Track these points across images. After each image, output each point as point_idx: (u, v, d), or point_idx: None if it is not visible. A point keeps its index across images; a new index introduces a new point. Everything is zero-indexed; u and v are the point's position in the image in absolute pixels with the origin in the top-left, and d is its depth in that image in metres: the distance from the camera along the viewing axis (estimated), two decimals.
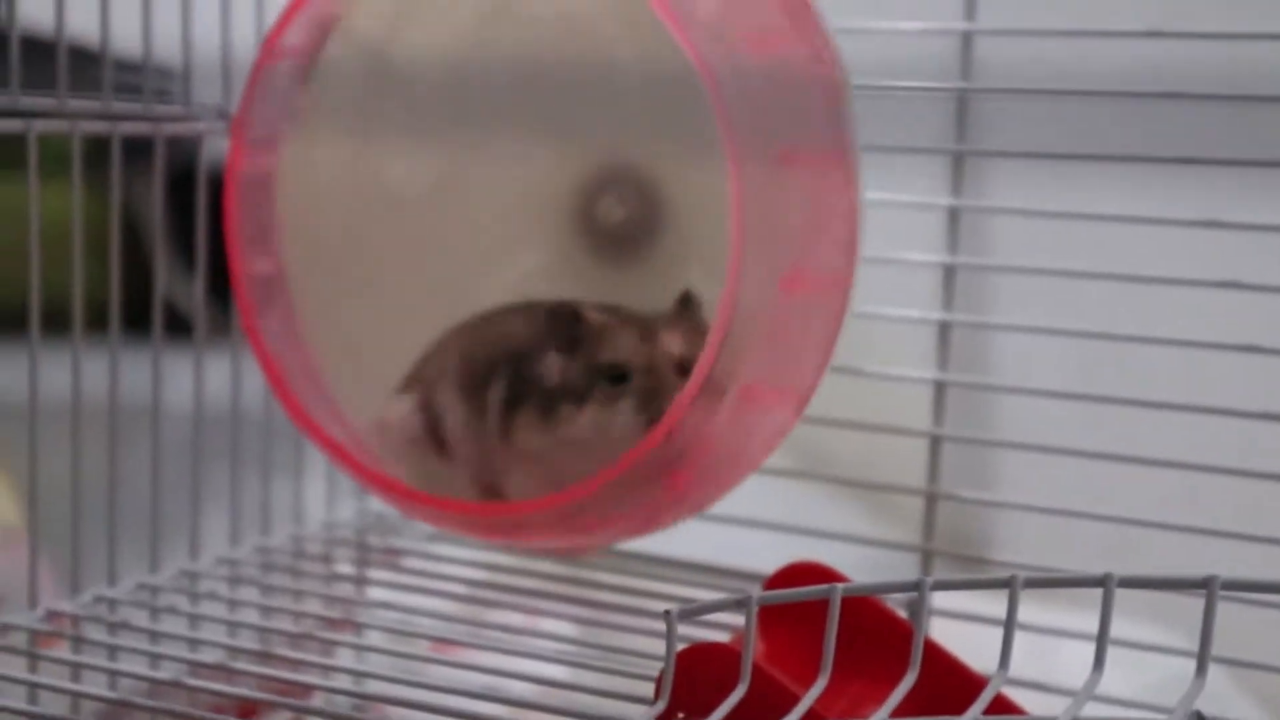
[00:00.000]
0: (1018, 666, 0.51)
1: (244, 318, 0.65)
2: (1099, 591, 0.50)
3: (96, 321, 0.68)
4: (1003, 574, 0.51)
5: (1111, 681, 0.53)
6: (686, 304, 0.64)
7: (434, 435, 0.66)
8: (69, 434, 0.67)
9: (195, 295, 0.72)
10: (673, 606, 0.53)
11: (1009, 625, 0.50)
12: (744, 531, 0.74)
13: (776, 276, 0.58)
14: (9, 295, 0.73)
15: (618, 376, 0.61)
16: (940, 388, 0.68)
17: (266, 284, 0.67)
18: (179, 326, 0.75)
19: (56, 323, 0.68)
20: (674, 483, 0.61)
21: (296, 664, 0.63)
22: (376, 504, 0.78)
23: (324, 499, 0.79)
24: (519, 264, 0.72)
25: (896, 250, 0.68)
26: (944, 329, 0.68)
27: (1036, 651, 0.73)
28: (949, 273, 0.68)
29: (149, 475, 0.71)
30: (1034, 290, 0.78)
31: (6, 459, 0.84)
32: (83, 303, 0.67)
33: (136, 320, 0.74)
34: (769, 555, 0.67)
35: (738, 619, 0.60)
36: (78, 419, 0.67)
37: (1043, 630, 0.64)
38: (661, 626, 0.64)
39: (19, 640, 0.63)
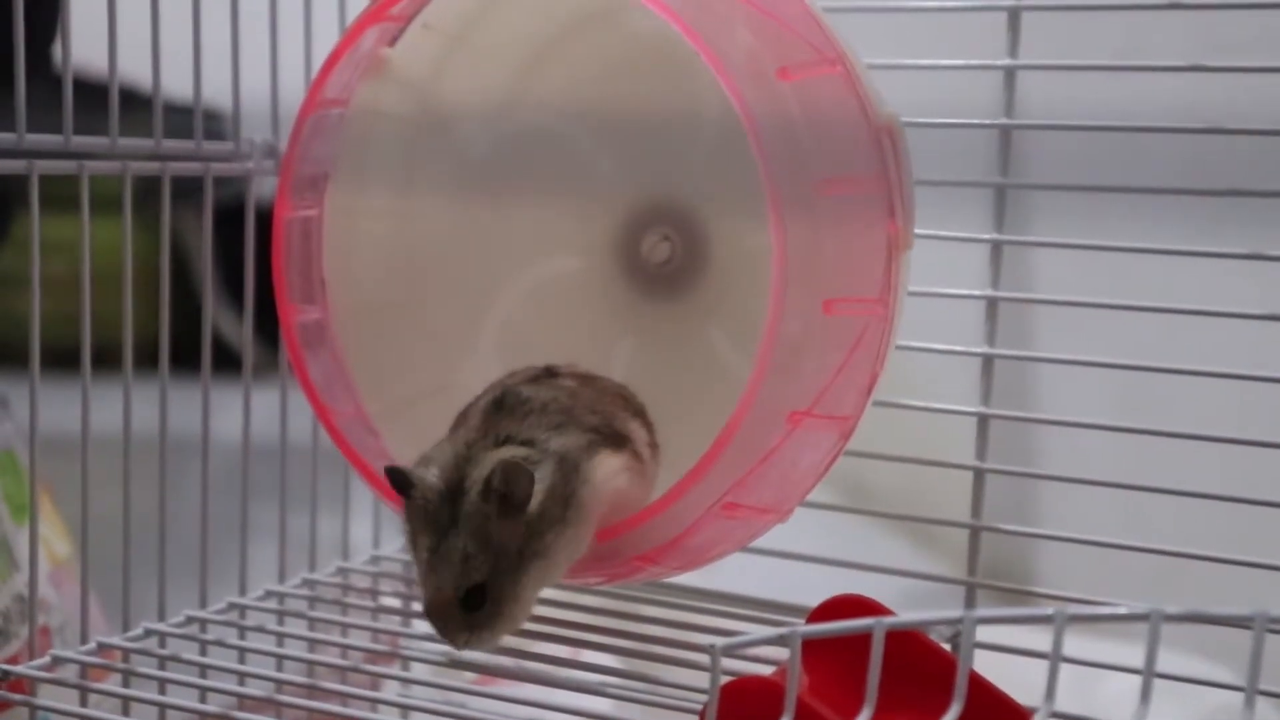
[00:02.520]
0: (1062, 699, 0.51)
1: (293, 361, 0.65)
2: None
3: (146, 357, 0.69)
4: (1047, 607, 0.52)
5: (1159, 715, 0.53)
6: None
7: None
8: (119, 468, 0.68)
9: (244, 331, 0.73)
10: (717, 640, 0.54)
11: (1054, 659, 0.50)
12: (788, 564, 0.75)
13: (817, 306, 0.59)
14: (62, 331, 0.74)
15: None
16: (984, 421, 0.68)
17: (313, 328, 0.67)
18: (226, 362, 0.76)
19: (106, 358, 0.68)
20: (705, 522, 0.61)
21: (344, 697, 0.63)
22: None
23: (370, 533, 0.80)
24: (562, 301, 0.73)
25: (940, 284, 0.68)
26: (987, 362, 0.68)
27: (1081, 683, 0.73)
28: (991, 306, 0.68)
29: (198, 509, 0.71)
30: (1076, 323, 0.78)
31: (59, 493, 0.85)
32: (133, 338, 0.68)
33: (185, 356, 0.75)
34: (813, 589, 0.68)
35: (782, 653, 0.61)
36: (128, 454, 0.68)
37: (1088, 664, 0.64)
38: (705, 659, 0.64)
39: (71, 673, 0.64)
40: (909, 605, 0.58)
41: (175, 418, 0.70)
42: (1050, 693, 0.50)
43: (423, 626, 0.73)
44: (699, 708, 0.55)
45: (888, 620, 0.53)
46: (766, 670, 0.62)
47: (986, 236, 0.69)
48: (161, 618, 0.69)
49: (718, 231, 0.68)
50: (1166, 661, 0.50)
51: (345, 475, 0.76)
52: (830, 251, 0.59)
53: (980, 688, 0.56)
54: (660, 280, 0.71)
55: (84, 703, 0.64)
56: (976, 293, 0.69)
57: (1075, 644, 0.58)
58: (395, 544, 0.79)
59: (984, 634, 0.67)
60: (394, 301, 0.70)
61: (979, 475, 0.68)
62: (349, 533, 0.78)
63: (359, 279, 0.69)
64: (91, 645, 0.66)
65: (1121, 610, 0.49)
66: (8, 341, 0.72)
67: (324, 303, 0.67)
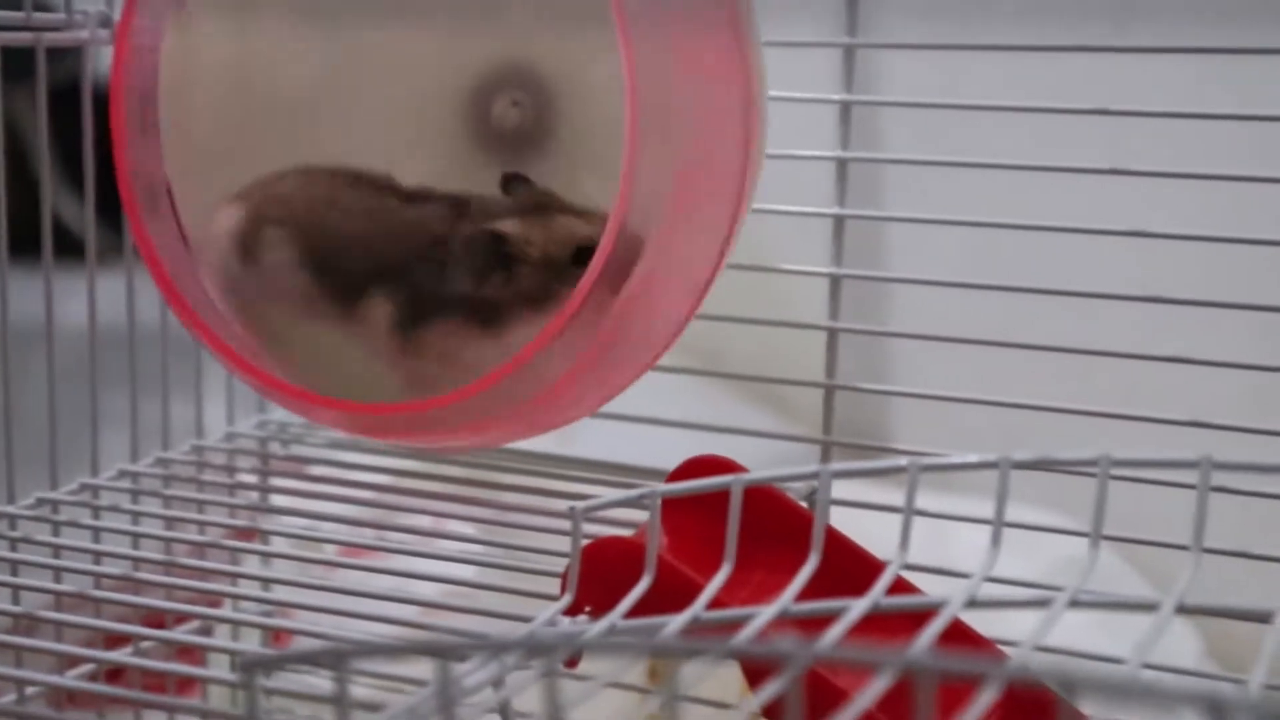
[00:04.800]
0: (914, 553, 0.52)
1: (133, 224, 0.64)
2: (994, 478, 0.51)
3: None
4: (894, 460, 0.53)
5: (1005, 566, 0.54)
6: (511, 185, 0.64)
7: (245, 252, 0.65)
8: None
9: (86, 210, 0.71)
10: (576, 503, 0.54)
11: (908, 511, 0.51)
12: (643, 430, 0.75)
13: (673, 165, 0.58)
14: None
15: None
16: (836, 282, 0.69)
17: (152, 190, 0.66)
18: (67, 247, 0.74)
19: None
20: (573, 375, 0.61)
21: (204, 573, 0.63)
22: (278, 414, 0.78)
23: (224, 415, 0.79)
24: (411, 169, 0.72)
25: (790, 146, 0.68)
26: (839, 223, 0.69)
27: (932, 539, 0.75)
28: (842, 166, 0.69)
29: (44, 397, 0.70)
30: (924, 182, 0.79)
31: None
32: None
33: (23, 243, 0.73)
34: (668, 453, 0.68)
35: (641, 515, 0.61)
36: None
37: (939, 516, 0.65)
38: (566, 525, 0.65)
39: None
40: (766, 468, 0.59)
41: (16, 306, 0.69)
42: (904, 543, 0.51)
43: (282, 501, 0.73)
44: (561, 570, 0.56)
45: (745, 476, 0.54)
46: (627, 532, 0.63)
47: (836, 96, 0.69)
48: (10, 501, 0.68)
49: (569, 90, 0.68)
50: (1014, 515, 0.51)
51: (196, 357, 0.75)
52: (690, 102, 0.58)
53: (837, 542, 0.57)
54: (513, 147, 0.70)
55: None
56: (828, 154, 0.69)
57: (927, 500, 0.60)
58: (250, 423, 0.79)
59: (839, 491, 0.69)
60: (233, 162, 0.69)
61: (832, 335, 0.69)
62: (202, 415, 0.77)
63: (196, 138, 0.67)
64: None
65: (973, 459, 0.50)
66: None
67: (161, 161, 0.66)
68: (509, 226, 0.62)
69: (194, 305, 0.64)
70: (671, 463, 0.63)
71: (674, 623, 0.49)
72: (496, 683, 0.50)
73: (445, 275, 0.62)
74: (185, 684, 0.82)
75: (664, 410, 0.73)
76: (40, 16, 0.68)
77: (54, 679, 0.58)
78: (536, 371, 0.58)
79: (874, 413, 1.04)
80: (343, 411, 0.62)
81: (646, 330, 0.63)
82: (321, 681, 0.65)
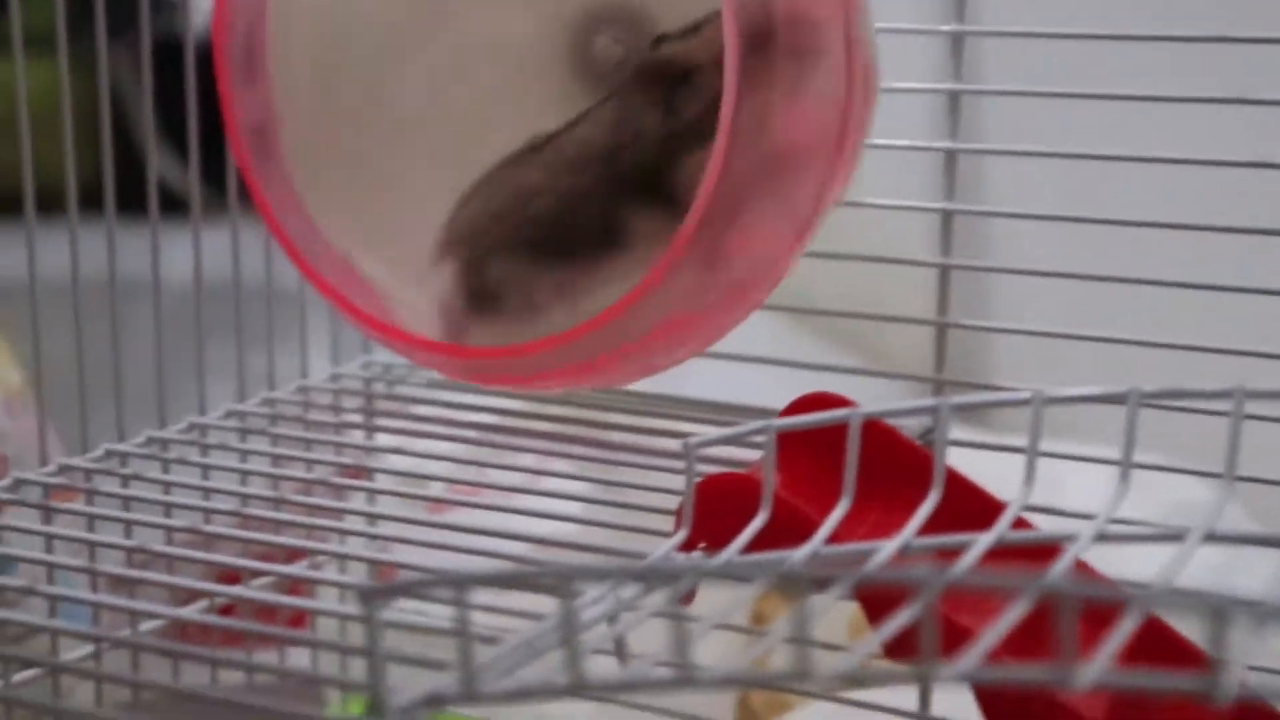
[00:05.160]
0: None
1: (242, 170, 0.64)
2: (1104, 422, 0.50)
3: (86, 201, 0.68)
4: (1017, 393, 0.51)
5: (1121, 508, 0.53)
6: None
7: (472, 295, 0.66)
8: (66, 313, 0.67)
9: (190, 156, 0.71)
10: (691, 438, 0.54)
11: (1031, 448, 0.50)
12: (739, 373, 0.74)
13: (776, 97, 0.57)
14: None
15: None
16: (948, 217, 0.67)
17: (260, 135, 0.66)
18: (169, 205, 0.75)
19: (52, 203, 0.67)
20: (682, 314, 0.60)
21: (311, 510, 0.63)
22: (383, 357, 0.78)
23: (329, 361, 0.79)
24: (520, 109, 0.71)
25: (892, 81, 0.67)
26: (950, 159, 0.67)
27: (1040, 484, 0.73)
28: (954, 100, 0.67)
29: (151, 347, 0.70)
30: (1029, 116, 0.77)
31: (9, 334, 0.83)
32: (76, 181, 0.67)
33: (128, 200, 0.74)
34: (767, 396, 0.67)
35: (751, 454, 0.60)
36: (77, 284, 0.67)
37: (1063, 456, 0.63)
38: (675, 463, 0.64)
39: (33, 494, 0.63)
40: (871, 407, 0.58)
41: (121, 262, 0.69)
42: (1028, 479, 0.50)
43: (387, 440, 0.73)
44: (673, 508, 0.55)
45: (864, 410, 0.53)
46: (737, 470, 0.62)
47: (946, 28, 0.68)
48: (121, 439, 0.68)
49: (668, 23, 0.67)
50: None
51: (301, 304, 0.75)
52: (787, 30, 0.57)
53: (954, 479, 0.55)
54: (610, 85, 0.69)
55: (47, 522, 0.63)
56: (938, 86, 0.68)
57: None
58: (355, 367, 0.78)
59: (954, 434, 0.67)
60: (339, 105, 0.68)
61: (944, 272, 0.67)
62: (307, 360, 0.77)
63: (303, 81, 0.67)
64: (53, 467, 0.65)
65: (1098, 391, 0.49)
66: None
67: (269, 106, 0.65)
68: (672, 50, 0.62)
69: (303, 250, 0.64)
70: (775, 402, 0.62)
71: (793, 558, 0.48)
72: (612, 617, 0.50)
73: (646, 130, 0.62)
74: (293, 620, 0.82)
75: (764, 349, 0.72)
76: None
77: (171, 611, 0.58)
78: (652, 305, 0.57)
79: (976, 358, 1.02)
80: (450, 355, 0.62)
81: (752, 266, 0.62)
82: (430, 616, 0.64)
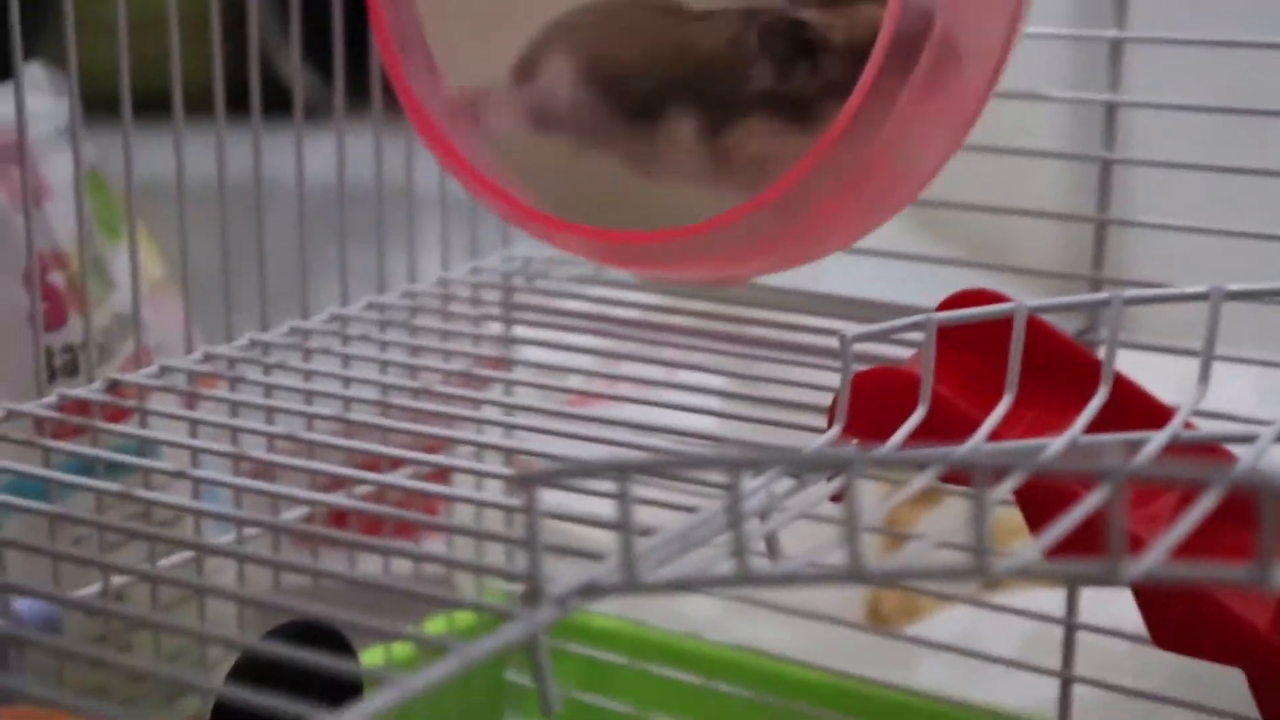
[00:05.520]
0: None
1: (387, 65, 0.63)
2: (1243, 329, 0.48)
3: (199, 103, 0.67)
4: (1192, 287, 0.49)
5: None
6: None
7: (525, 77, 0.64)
8: (214, 209, 0.68)
9: (335, 56, 0.70)
10: (846, 330, 0.52)
11: (1208, 345, 0.48)
12: (879, 272, 0.72)
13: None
14: (150, 82, 0.73)
15: None
16: (1111, 109, 0.65)
17: (402, 32, 0.64)
18: (279, 104, 0.74)
19: (194, 105, 0.67)
20: (836, 201, 0.58)
21: (449, 400, 0.62)
22: (521, 251, 0.77)
23: (468, 256, 0.78)
24: None
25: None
26: (1116, 46, 0.65)
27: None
28: (1115, 49, 0.64)
29: (295, 239, 0.70)
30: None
31: (156, 232, 0.84)
32: (193, 83, 0.66)
33: (268, 104, 0.73)
34: (909, 295, 0.66)
35: (901, 353, 0.59)
36: (224, 184, 0.67)
37: (1248, 361, 0.61)
38: (821, 360, 0.63)
39: (178, 380, 0.63)
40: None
41: (265, 163, 0.69)
42: (1204, 378, 0.48)
43: (527, 333, 0.72)
44: (825, 403, 0.53)
45: (1031, 302, 0.51)
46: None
47: None
48: (264, 329, 0.68)
49: None
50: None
51: (442, 200, 0.74)
52: None
53: (1119, 381, 0.53)
54: None
55: (192, 409, 0.63)
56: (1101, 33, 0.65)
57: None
58: (494, 260, 0.77)
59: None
60: None
61: (1106, 166, 0.65)
62: (448, 249, 0.76)
63: None
64: (198, 354, 0.65)
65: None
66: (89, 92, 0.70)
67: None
68: (809, 14, 0.59)
69: (444, 132, 0.63)
70: (920, 300, 0.60)
71: (957, 452, 0.46)
72: (764, 514, 0.49)
73: (747, 75, 0.60)
74: (403, 529, 0.83)
75: (895, 265, 0.70)
76: None
77: (313, 496, 0.58)
78: (804, 192, 0.55)
79: (1128, 258, 0.99)
80: (600, 239, 0.61)
81: (910, 159, 0.60)
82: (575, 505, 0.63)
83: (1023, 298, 0.52)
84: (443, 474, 0.78)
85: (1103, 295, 0.49)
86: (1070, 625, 0.65)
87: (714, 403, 0.62)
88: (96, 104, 0.73)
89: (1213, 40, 0.62)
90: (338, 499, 0.53)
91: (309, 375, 0.64)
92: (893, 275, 0.74)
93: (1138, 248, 0.95)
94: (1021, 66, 0.61)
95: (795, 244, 0.60)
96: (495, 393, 0.71)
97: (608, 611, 0.78)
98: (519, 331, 0.73)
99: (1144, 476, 0.32)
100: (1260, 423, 0.49)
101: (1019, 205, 0.68)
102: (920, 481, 0.38)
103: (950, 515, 0.83)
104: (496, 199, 0.62)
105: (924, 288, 0.66)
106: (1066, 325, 0.60)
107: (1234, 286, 0.47)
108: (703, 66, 0.60)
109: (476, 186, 0.62)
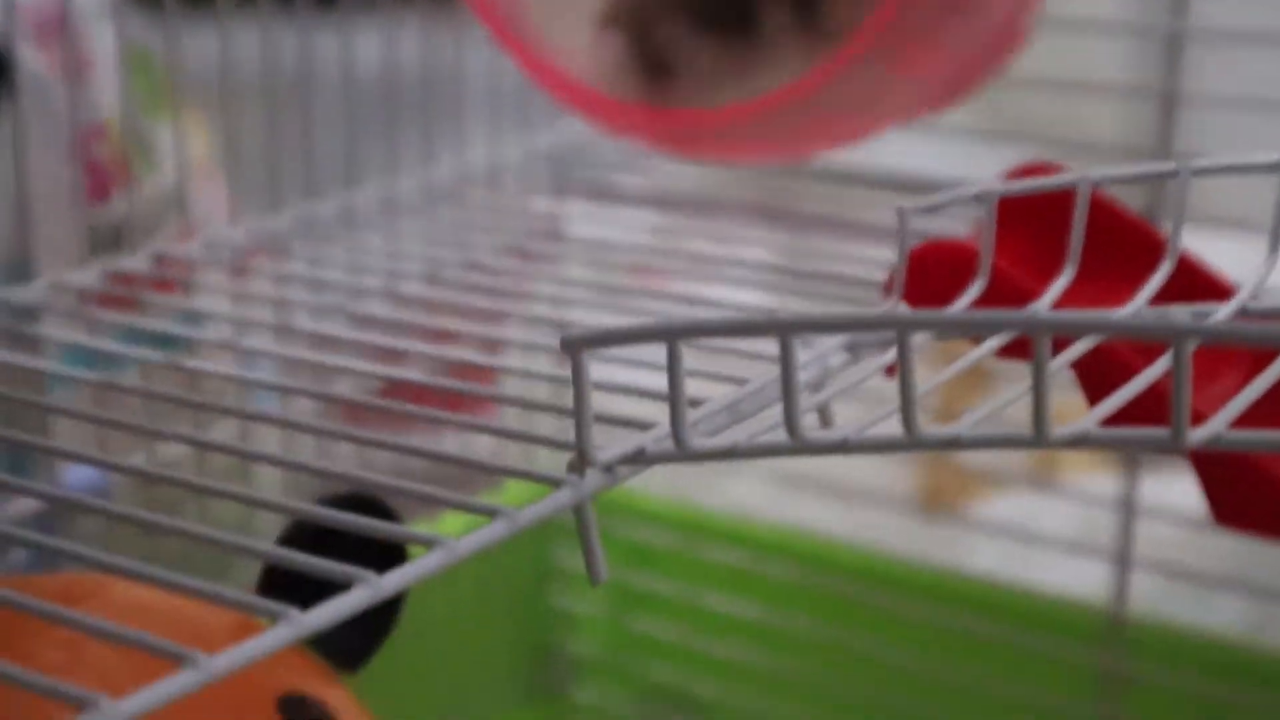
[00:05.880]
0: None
1: None
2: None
3: None
4: (1261, 156, 0.48)
5: None
6: None
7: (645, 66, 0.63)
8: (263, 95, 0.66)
9: None
10: (905, 203, 0.51)
11: (1277, 220, 0.46)
12: (935, 149, 0.71)
13: None
14: None
15: None
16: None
17: None
18: None
19: None
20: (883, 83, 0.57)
21: (500, 274, 0.61)
22: (569, 136, 0.76)
23: (518, 138, 0.77)
24: None
25: None
26: None
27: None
28: None
29: (343, 121, 0.69)
30: None
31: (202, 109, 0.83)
32: None
33: None
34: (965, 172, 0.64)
35: (958, 230, 0.57)
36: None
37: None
38: (877, 237, 0.62)
39: (224, 255, 0.62)
40: None
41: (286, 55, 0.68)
42: (1275, 245, 0.47)
43: (579, 213, 0.71)
44: (881, 278, 0.52)
45: (1095, 173, 0.49)
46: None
47: None
48: (310, 200, 0.67)
49: None
50: None
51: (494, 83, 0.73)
52: None
53: (1184, 258, 0.52)
54: None
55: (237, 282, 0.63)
56: None
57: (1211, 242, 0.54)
58: (544, 141, 0.76)
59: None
60: None
61: (1176, 39, 0.63)
62: (500, 130, 0.75)
63: None
64: (241, 231, 0.64)
65: None
66: None
67: None
68: None
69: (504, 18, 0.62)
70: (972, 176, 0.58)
71: (1015, 316, 0.45)
72: (816, 385, 0.48)
73: None
74: (452, 403, 0.82)
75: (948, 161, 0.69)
76: None
77: (362, 366, 0.57)
78: (852, 77, 0.54)
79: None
80: (658, 120, 0.59)
81: (963, 40, 0.58)
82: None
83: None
84: (494, 350, 0.77)
85: (1169, 165, 0.47)
86: (1129, 507, 0.64)
87: (769, 278, 0.61)
88: None
89: None
90: (384, 370, 0.52)
91: (355, 250, 0.64)
92: (955, 156, 0.73)
93: (1204, 133, 0.93)
94: None
95: (839, 127, 0.58)
96: (546, 269, 0.70)
97: (657, 490, 0.78)
98: (570, 208, 0.72)
99: (1212, 338, 0.31)
100: None
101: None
102: (979, 353, 0.37)
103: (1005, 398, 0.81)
104: (550, 79, 0.61)
105: (986, 168, 0.65)
106: (1131, 204, 0.58)
107: None
108: None
109: (532, 68, 0.61)
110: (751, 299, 0.59)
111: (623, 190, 0.70)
